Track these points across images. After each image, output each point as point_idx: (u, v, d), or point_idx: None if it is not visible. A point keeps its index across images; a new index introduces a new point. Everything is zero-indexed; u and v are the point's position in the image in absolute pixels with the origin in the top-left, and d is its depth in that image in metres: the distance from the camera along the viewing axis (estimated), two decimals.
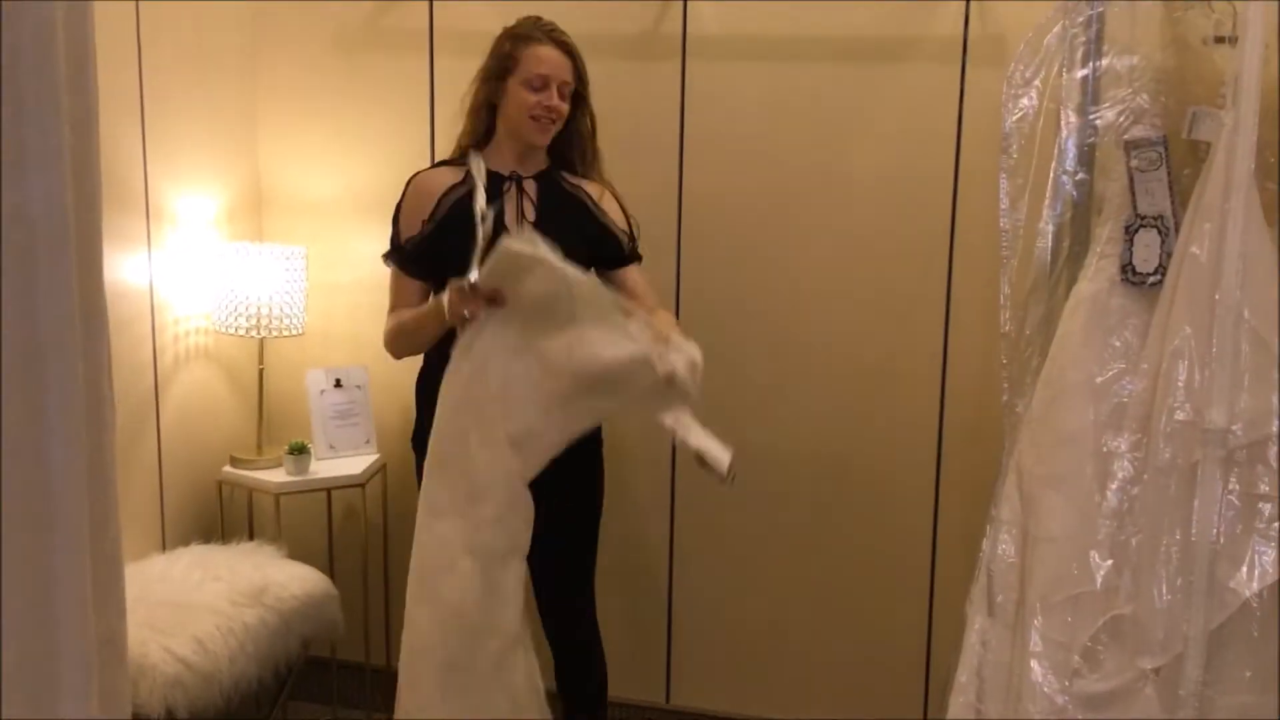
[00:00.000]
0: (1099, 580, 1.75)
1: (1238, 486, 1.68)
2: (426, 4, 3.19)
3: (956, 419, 2.97)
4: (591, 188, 2.61)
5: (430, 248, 2.54)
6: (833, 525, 3.13)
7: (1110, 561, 1.75)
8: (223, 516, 3.22)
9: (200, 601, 2.71)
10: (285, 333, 3.12)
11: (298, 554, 3.04)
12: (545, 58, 2.48)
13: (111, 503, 1.26)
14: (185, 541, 3.06)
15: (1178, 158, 1.81)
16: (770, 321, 3.06)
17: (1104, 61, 1.83)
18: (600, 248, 2.57)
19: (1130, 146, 1.82)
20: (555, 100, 2.49)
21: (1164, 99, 1.82)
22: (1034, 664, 1.78)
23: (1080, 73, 1.82)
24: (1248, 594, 1.66)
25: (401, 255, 2.59)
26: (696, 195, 3.06)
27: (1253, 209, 1.70)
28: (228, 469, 3.19)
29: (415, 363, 2.75)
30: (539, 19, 2.56)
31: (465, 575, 2.23)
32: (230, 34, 3.22)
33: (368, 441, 3.26)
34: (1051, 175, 1.85)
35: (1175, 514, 1.70)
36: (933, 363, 2.98)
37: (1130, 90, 1.83)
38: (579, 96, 2.57)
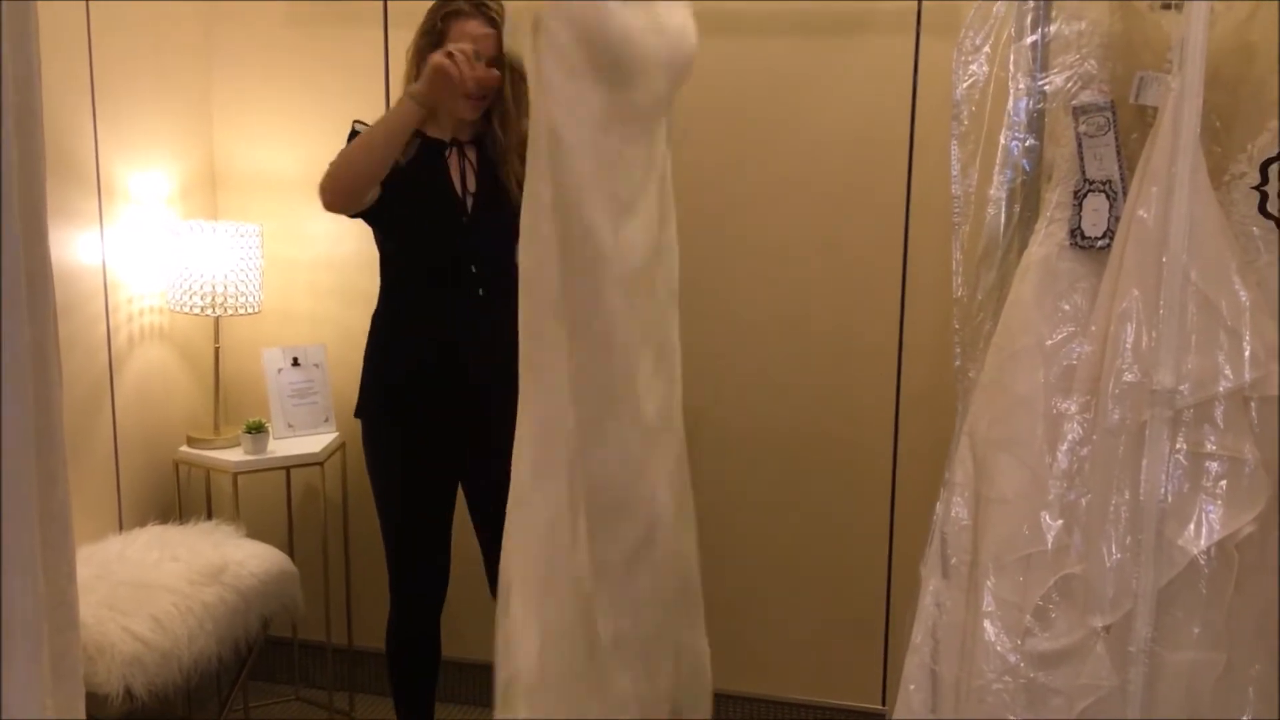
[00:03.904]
0: (1050, 540, 1.77)
1: (1185, 446, 1.70)
2: None
3: (913, 385, 3.00)
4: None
5: (385, 207, 2.56)
6: (791, 491, 3.15)
7: (1061, 522, 1.77)
8: (180, 497, 3.21)
9: (158, 581, 2.70)
10: (241, 311, 3.10)
11: (257, 533, 3.03)
12: (469, 31, 2.51)
13: (59, 461, 1.25)
14: (142, 522, 3.04)
15: (1125, 122, 1.83)
16: (726, 291, 3.07)
17: (1052, 28, 1.84)
18: None
19: (1078, 112, 1.83)
20: (483, 72, 2.50)
21: (1111, 64, 1.83)
22: (987, 624, 1.79)
23: (1029, 39, 1.84)
24: (1195, 551, 1.68)
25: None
26: None
27: (1199, 172, 1.72)
28: (184, 449, 3.17)
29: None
30: None
31: None
32: (183, 8, 3.19)
33: (326, 420, 3.25)
34: (1002, 142, 1.87)
35: (1124, 474, 1.72)
36: (889, 329, 3.00)
37: (1078, 56, 1.84)
38: (514, 70, 2.52)
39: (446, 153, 2.59)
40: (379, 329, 2.70)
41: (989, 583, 1.80)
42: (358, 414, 2.73)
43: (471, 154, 2.61)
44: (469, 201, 2.59)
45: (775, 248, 3.03)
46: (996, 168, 1.88)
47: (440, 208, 2.57)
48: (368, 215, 2.59)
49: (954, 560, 1.88)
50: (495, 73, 2.51)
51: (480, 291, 2.59)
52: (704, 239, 3.04)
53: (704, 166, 2.99)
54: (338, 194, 2.55)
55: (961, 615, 1.86)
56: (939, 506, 1.92)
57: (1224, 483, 1.69)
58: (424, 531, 2.71)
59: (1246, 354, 1.68)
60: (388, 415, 2.69)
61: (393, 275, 2.68)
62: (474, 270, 2.58)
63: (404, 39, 3.16)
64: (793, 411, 3.10)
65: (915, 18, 2.86)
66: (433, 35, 2.55)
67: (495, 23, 2.52)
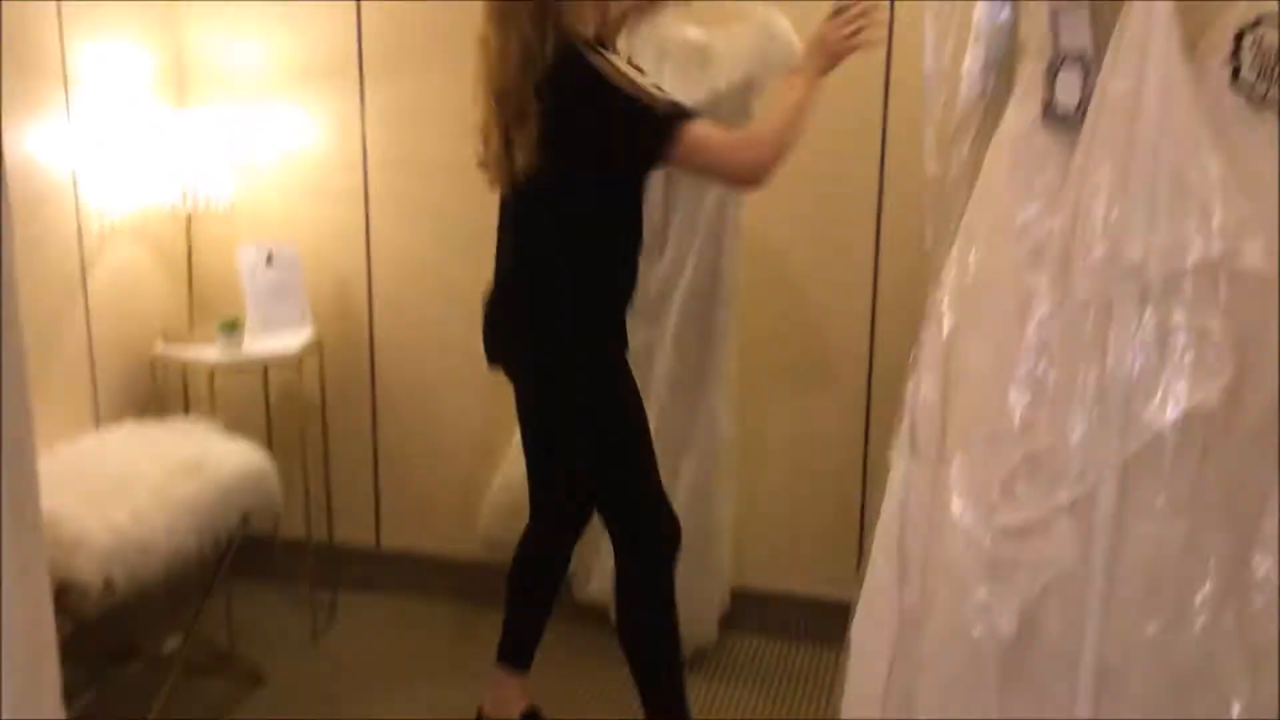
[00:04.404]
0: (1017, 416, 1.77)
1: (1153, 320, 1.69)
2: None
3: (890, 288, 3.01)
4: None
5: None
6: (772, 393, 3.17)
7: (1028, 397, 1.77)
8: (157, 394, 3.20)
9: (136, 475, 2.71)
10: (212, 206, 3.07)
11: (234, 430, 3.03)
12: None
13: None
14: (119, 419, 3.05)
15: None
16: None
17: None
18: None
19: None
20: None
21: None
22: (954, 500, 1.80)
23: None
24: (1161, 424, 1.69)
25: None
26: None
27: (1172, 44, 1.69)
28: (160, 346, 3.16)
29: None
30: None
31: None
32: None
33: (302, 317, 3.23)
34: (975, 15, 1.84)
35: (1092, 348, 1.72)
36: (868, 224, 3.00)
37: None
38: None
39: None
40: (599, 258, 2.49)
41: (956, 460, 1.81)
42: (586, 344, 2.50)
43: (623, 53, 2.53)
44: None
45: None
46: (970, 42, 1.86)
47: None
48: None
49: (922, 439, 1.89)
50: None
51: None
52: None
53: None
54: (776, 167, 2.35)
55: (929, 493, 1.87)
56: (909, 386, 1.92)
57: (1190, 355, 1.69)
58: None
59: (1215, 227, 1.67)
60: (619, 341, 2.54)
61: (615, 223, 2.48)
62: None
63: None
64: (772, 320, 3.12)
65: None
66: None
67: None
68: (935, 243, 1.97)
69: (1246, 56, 1.73)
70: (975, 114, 1.89)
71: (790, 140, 2.32)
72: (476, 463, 3.35)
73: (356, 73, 3.27)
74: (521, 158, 2.30)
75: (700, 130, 2.29)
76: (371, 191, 3.36)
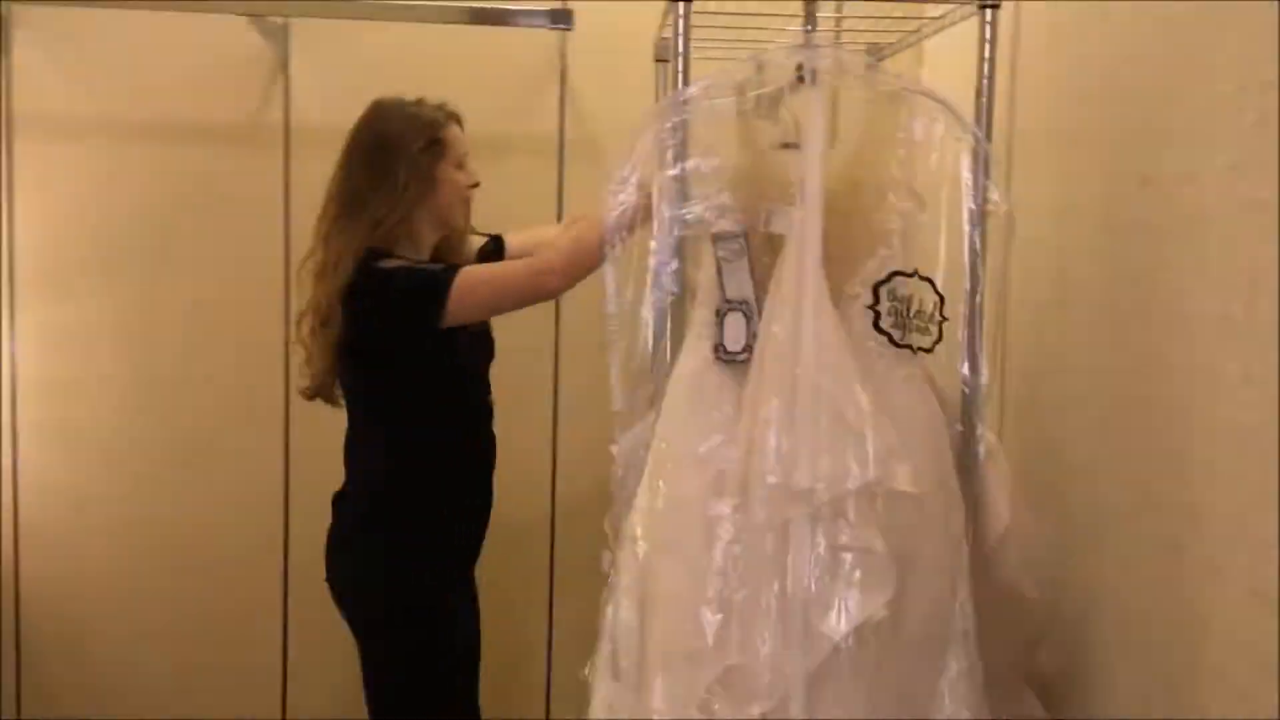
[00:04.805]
0: (710, 635, 1.88)
1: (824, 540, 1.87)
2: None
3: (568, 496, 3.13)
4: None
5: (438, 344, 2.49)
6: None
7: (720, 616, 1.89)
8: None
9: None
10: None
11: None
12: (461, 138, 2.56)
13: None
14: None
15: (758, 248, 2.02)
16: None
17: (690, 163, 2.01)
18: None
19: (717, 239, 2.01)
20: (476, 177, 2.59)
21: (743, 197, 2.03)
22: None
23: (671, 172, 2.00)
24: (838, 637, 1.85)
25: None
26: None
27: (822, 293, 1.92)
28: None
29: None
30: (424, 101, 2.57)
31: None
32: None
33: None
34: (651, 265, 2.01)
35: (773, 568, 1.87)
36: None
37: (715, 189, 2.03)
38: None
39: None
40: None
41: (658, 681, 1.90)
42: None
43: None
44: None
45: None
46: (647, 289, 2.02)
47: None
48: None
49: (624, 662, 1.97)
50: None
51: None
52: None
53: None
54: (575, 279, 2.45)
55: (633, 715, 1.94)
56: (608, 611, 2.00)
57: (858, 572, 1.87)
58: None
59: (870, 454, 1.88)
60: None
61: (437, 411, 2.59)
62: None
63: (24, 151, 3.06)
64: None
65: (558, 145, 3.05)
66: (436, 149, 2.51)
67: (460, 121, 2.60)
68: (625, 471, 2.09)
69: (884, 305, 1.99)
70: (658, 353, 2.04)
71: (580, 262, 2.41)
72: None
73: (4, 291, 3.14)
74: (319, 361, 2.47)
75: (472, 273, 2.46)
76: (21, 419, 3.19)
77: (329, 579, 2.56)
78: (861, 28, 2.57)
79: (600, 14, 3.11)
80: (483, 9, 3.04)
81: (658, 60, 2.94)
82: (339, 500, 2.59)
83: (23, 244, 3.12)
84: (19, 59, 3.10)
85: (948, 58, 2.69)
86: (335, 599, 2.55)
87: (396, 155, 2.46)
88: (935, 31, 2.41)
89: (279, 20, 3.12)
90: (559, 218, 3.12)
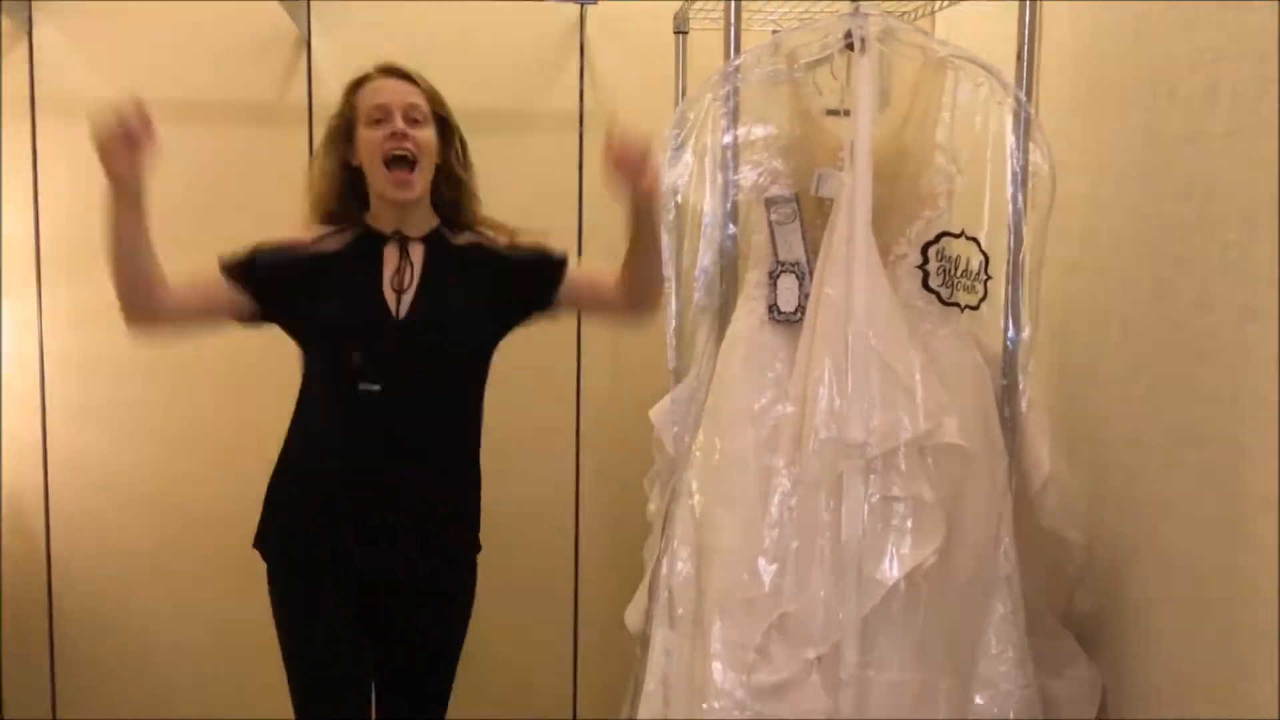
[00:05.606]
0: (766, 583, 1.96)
1: (876, 492, 1.95)
2: (26, 69, 3.08)
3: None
4: (482, 232, 2.33)
5: (289, 285, 2.20)
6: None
7: (775, 566, 1.96)
8: None
9: None
10: None
11: None
12: (380, 87, 2.21)
13: None
14: None
15: (809, 212, 2.09)
16: None
17: (742, 130, 2.08)
18: (526, 282, 2.30)
19: (769, 203, 2.08)
20: (400, 126, 2.17)
21: (794, 162, 2.10)
22: (714, 664, 1.96)
23: (724, 139, 2.07)
24: (889, 583, 1.93)
25: (239, 261, 2.20)
26: None
27: (872, 253, 1.99)
28: None
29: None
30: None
31: None
32: None
33: None
34: (705, 228, 2.08)
35: (826, 519, 1.95)
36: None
37: (767, 154, 2.10)
38: (441, 123, 2.26)
39: (385, 246, 2.25)
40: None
41: (715, 627, 1.97)
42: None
43: (417, 252, 2.25)
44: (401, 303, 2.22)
45: None
46: (701, 251, 2.09)
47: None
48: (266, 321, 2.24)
49: (680, 610, 2.04)
50: (423, 134, 2.20)
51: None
52: None
53: None
54: (123, 306, 2.10)
55: (689, 660, 2.01)
56: (663, 563, 2.07)
57: (909, 521, 1.95)
58: None
59: (920, 408, 1.96)
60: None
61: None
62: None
63: (50, 132, 3.09)
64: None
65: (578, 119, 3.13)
66: (343, 114, 2.24)
67: (400, 72, 2.23)
68: (681, 428, 2.16)
69: (933, 264, 2.06)
70: (709, 312, 2.11)
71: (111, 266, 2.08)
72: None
73: (32, 270, 3.17)
74: None
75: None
76: (50, 396, 3.22)
77: None
78: None
79: None
80: None
81: (677, 33, 3.01)
82: None
83: (47, 225, 3.15)
84: (41, 40, 3.13)
85: (966, 26, 2.74)
86: None
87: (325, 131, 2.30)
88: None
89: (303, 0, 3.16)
90: (580, 192, 3.18)
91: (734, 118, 2.08)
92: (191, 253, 2.16)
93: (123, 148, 1.94)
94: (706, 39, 2.87)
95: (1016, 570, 2.05)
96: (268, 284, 2.21)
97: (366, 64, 2.30)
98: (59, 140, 3.15)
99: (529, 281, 2.30)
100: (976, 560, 2.01)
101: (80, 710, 3.30)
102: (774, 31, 2.31)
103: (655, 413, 2.28)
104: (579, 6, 3.20)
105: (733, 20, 2.10)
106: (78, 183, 3.16)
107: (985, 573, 2.03)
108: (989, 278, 2.10)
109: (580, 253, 3.09)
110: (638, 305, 2.27)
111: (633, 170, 2.03)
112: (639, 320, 2.29)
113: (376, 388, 2.14)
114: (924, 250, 2.06)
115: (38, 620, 3.26)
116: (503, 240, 2.32)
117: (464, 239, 2.31)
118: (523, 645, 3.30)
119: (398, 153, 2.17)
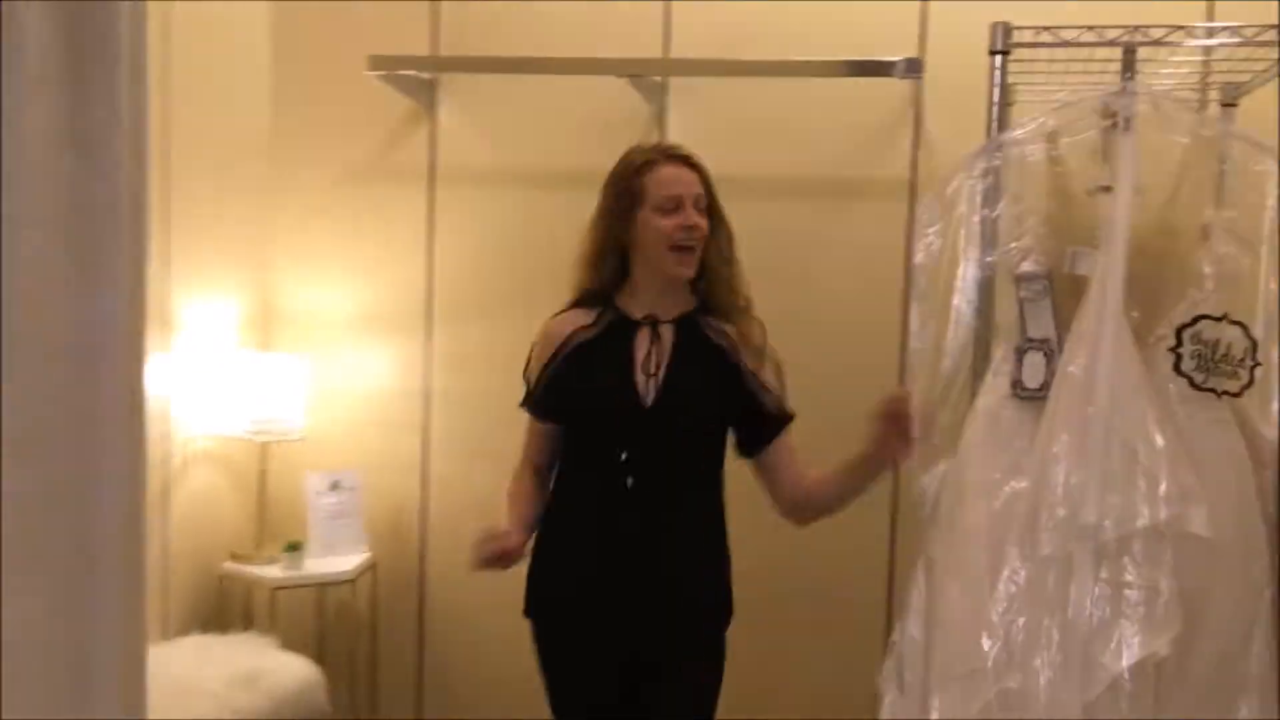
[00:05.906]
0: (989, 658, 1.97)
1: (1107, 575, 1.91)
2: (427, 141, 3.52)
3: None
4: (738, 331, 2.28)
5: (553, 388, 2.33)
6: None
7: (999, 641, 1.97)
8: (222, 609, 3.43)
9: (198, 686, 2.92)
10: (285, 437, 3.38)
11: (291, 644, 3.25)
12: (672, 177, 2.23)
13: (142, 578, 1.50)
14: (187, 631, 3.28)
15: (1060, 290, 2.09)
16: None
17: (998, 208, 2.11)
18: (746, 418, 2.28)
19: (1020, 280, 2.10)
20: (694, 218, 2.21)
21: (1047, 239, 2.10)
22: None
23: (977, 216, 2.11)
24: (1117, 670, 1.88)
25: (529, 398, 2.39)
26: None
27: (1122, 333, 1.97)
28: (228, 564, 3.42)
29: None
30: (648, 144, 2.38)
31: None
32: (250, 160, 3.54)
33: (359, 540, 3.49)
34: (954, 303, 2.12)
35: (1054, 599, 1.93)
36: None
37: (1020, 231, 2.12)
38: (713, 212, 2.27)
39: (638, 331, 2.28)
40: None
41: (936, 698, 2.00)
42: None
43: (668, 334, 2.27)
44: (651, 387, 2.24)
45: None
46: (950, 325, 2.14)
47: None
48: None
49: (908, 676, 2.08)
50: (705, 223, 2.23)
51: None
52: None
53: None
54: None
55: None
56: (898, 626, 2.13)
57: (1142, 609, 1.90)
58: None
59: (1162, 494, 1.90)
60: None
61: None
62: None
63: (444, 197, 3.50)
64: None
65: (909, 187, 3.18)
66: (627, 194, 2.24)
67: (688, 161, 2.26)
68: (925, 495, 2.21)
69: (1187, 348, 2.00)
70: (954, 384, 2.15)
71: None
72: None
73: (424, 316, 3.62)
74: None
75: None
76: (432, 426, 3.66)
77: None
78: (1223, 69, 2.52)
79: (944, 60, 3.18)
80: (860, 62, 3.18)
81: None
82: None
83: (439, 277, 3.60)
84: (443, 119, 3.60)
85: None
86: None
87: (601, 201, 2.32)
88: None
89: (658, 79, 3.43)
90: (906, 259, 3.24)
91: (993, 194, 2.12)
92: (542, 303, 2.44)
93: (499, 567, 2.23)
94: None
95: (1273, 673, 1.93)
96: (554, 409, 2.35)
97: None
98: (450, 200, 3.59)
99: (752, 420, 2.28)
100: (1220, 658, 1.92)
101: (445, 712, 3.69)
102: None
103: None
104: (911, 81, 3.26)
105: (995, 99, 2.14)
106: (466, 241, 3.61)
107: (1232, 673, 1.93)
108: (1257, 364, 2.00)
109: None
110: (795, 517, 2.30)
111: (902, 436, 2.06)
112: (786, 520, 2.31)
113: (631, 480, 2.21)
114: (1178, 333, 2.00)
115: (410, 626, 3.70)
116: (751, 352, 2.27)
117: (715, 333, 2.29)
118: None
119: (687, 244, 2.21)
